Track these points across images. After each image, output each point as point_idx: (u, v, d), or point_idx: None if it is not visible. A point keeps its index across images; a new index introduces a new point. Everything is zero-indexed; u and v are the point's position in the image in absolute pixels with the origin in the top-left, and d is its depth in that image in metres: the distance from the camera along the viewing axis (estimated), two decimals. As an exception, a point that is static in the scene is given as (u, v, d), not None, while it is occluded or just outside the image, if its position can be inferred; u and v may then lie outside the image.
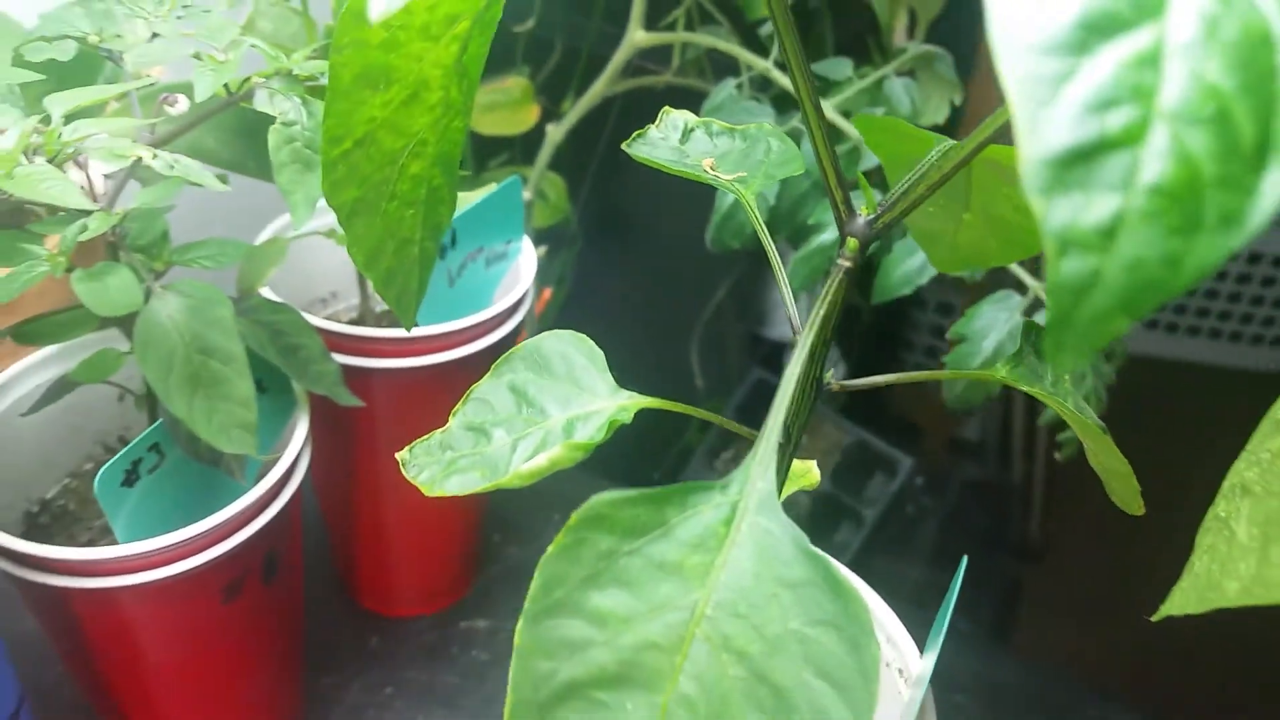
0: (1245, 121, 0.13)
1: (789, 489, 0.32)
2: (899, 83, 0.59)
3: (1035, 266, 0.55)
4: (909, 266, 0.55)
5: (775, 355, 0.96)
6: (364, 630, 0.57)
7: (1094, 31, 0.13)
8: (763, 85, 0.62)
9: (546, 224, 0.83)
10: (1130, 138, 0.13)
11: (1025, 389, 0.29)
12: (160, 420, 0.37)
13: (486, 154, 0.81)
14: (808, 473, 0.32)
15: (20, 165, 0.27)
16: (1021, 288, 0.55)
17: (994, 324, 0.54)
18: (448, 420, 0.27)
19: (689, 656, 0.20)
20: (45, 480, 0.44)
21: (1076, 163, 0.13)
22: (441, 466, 0.26)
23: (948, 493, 0.91)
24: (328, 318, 0.52)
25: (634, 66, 0.68)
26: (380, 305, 0.57)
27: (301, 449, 0.41)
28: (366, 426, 0.50)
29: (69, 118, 0.29)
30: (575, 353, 0.27)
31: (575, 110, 0.69)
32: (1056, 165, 0.13)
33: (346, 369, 0.44)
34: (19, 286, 0.34)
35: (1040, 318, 0.55)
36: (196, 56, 0.34)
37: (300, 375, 0.40)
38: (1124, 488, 0.31)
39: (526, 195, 0.71)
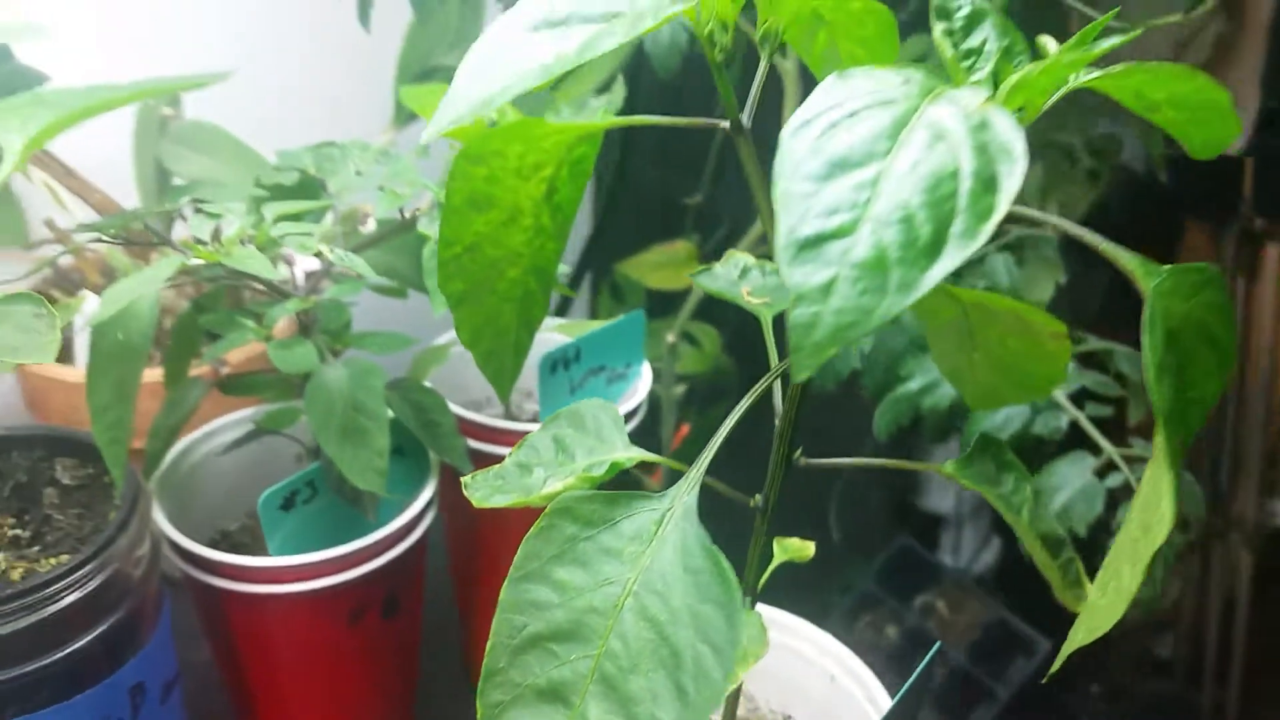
0: (925, 226, 0.20)
1: (779, 558, 0.38)
2: (1000, 258, 0.66)
3: (1110, 430, 0.59)
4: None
5: (928, 527, 0.97)
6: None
7: (837, 167, 0.21)
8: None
9: (696, 370, 0.91)
10: (846, 232, 0.21)
11: (971, 486, 0.34)
12: (318, 463, 0.48)
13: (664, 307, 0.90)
14: (802, 549, 0.38)
15: (237, 247, 0.38)
16: (1096, 450, 0.59)
17: (1066, 482, 0.58)
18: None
19: (619, 620, 0.27)
20: (230, 515, 0.55)
21: (810, 245, 0.21)
22: (491, 489, 0.34)
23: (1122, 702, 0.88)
24: (476, 416, 0.62)
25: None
26: (524, 413, 0.67)
27: (426, 505, 0.50)
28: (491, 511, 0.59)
29: (277, 220, 0.41)
30: (604, 415, 0.35)
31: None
32: (798, 247, 0.21)
33: (478, 453, 0.54)
34: (228, 346, 0.46)
35: (1111, 480, 0.58)
36: (380, 188, 0.45)
37: (434, 445, 0.50)
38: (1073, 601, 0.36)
39: (671, 338, 0.80)
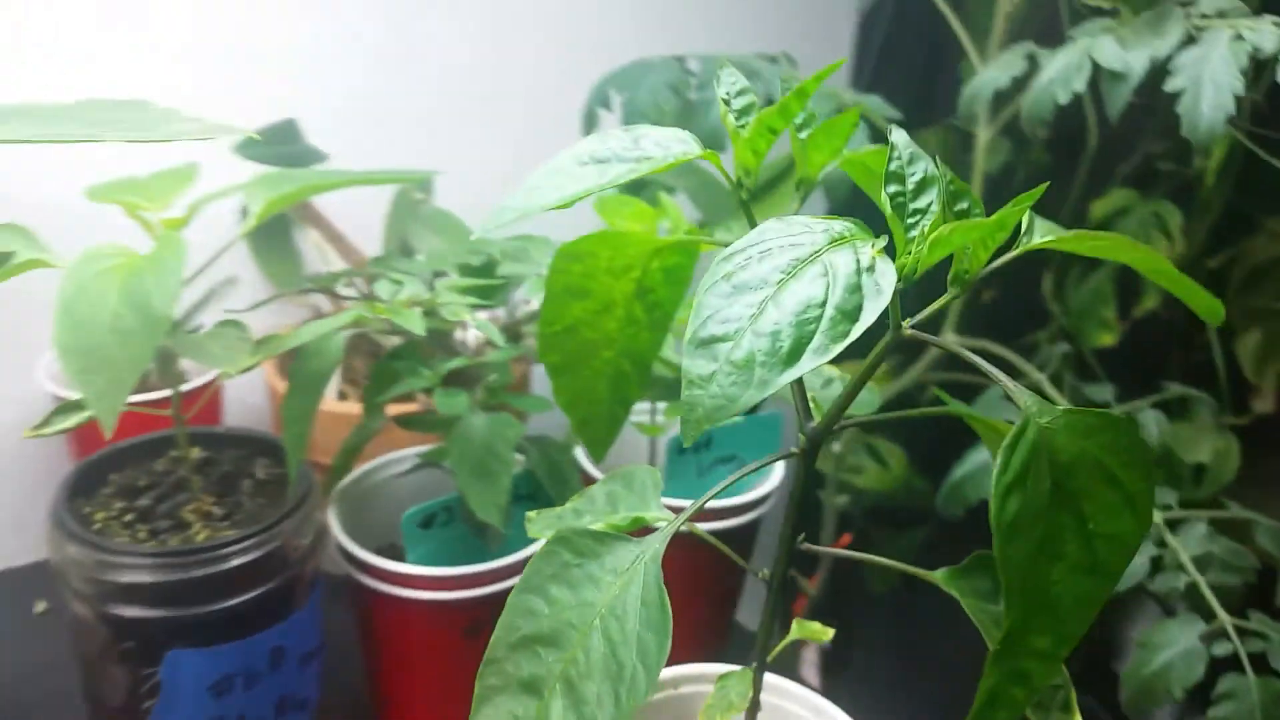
0: (786, 341, 0.26)
1: (794, 634, 0.42)
2: (1151, 414, 0.66)
3: (1230, 602, 0.58)
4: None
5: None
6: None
7: (739, 289, 0.27)
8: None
9: (877, 487, 0.94)
10: (731, 339, 0.27)
11: (959, 597, 0.38)
12: (456, 494, 0.57)
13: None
14: (821, 632, 0.43)
15: (405, 309, 0.48)
16: (1210, 615, 0.58)
17: (1172, 641, 0.58)
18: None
19: (588, 636, 0.34)
20: (395, 532, 0.65)
21: (705, 344, 0.27)
22: (548, 524, 0.41)
23: None
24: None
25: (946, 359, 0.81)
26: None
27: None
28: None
29: (445, 291, 0.51)
30: (649, 480, 0.42)
31: (893, 388, 0.83)
32: (697, 344, 0.27)
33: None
34: (405, 388, 0.56)
35: (1219, 648, 0.57)
36: (537, 275, 0.54)
37: (558, 495, 0.58)
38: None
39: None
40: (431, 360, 0.57)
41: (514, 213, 0.33)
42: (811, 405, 0.37)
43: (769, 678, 0.47)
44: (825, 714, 0.46)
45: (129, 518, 0.52)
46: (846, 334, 0.26)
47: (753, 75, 0.71)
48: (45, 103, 0.42)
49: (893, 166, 0.31)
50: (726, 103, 0.37)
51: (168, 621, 0.49)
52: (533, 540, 0.58)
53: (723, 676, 0.40)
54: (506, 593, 0.56)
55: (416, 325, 0.48)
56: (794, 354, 0.26)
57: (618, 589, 0.34)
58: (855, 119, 0.35)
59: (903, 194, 0.31)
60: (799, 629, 0.43)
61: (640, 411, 0.68)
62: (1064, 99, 0.57)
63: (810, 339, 0.26)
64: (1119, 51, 0.57)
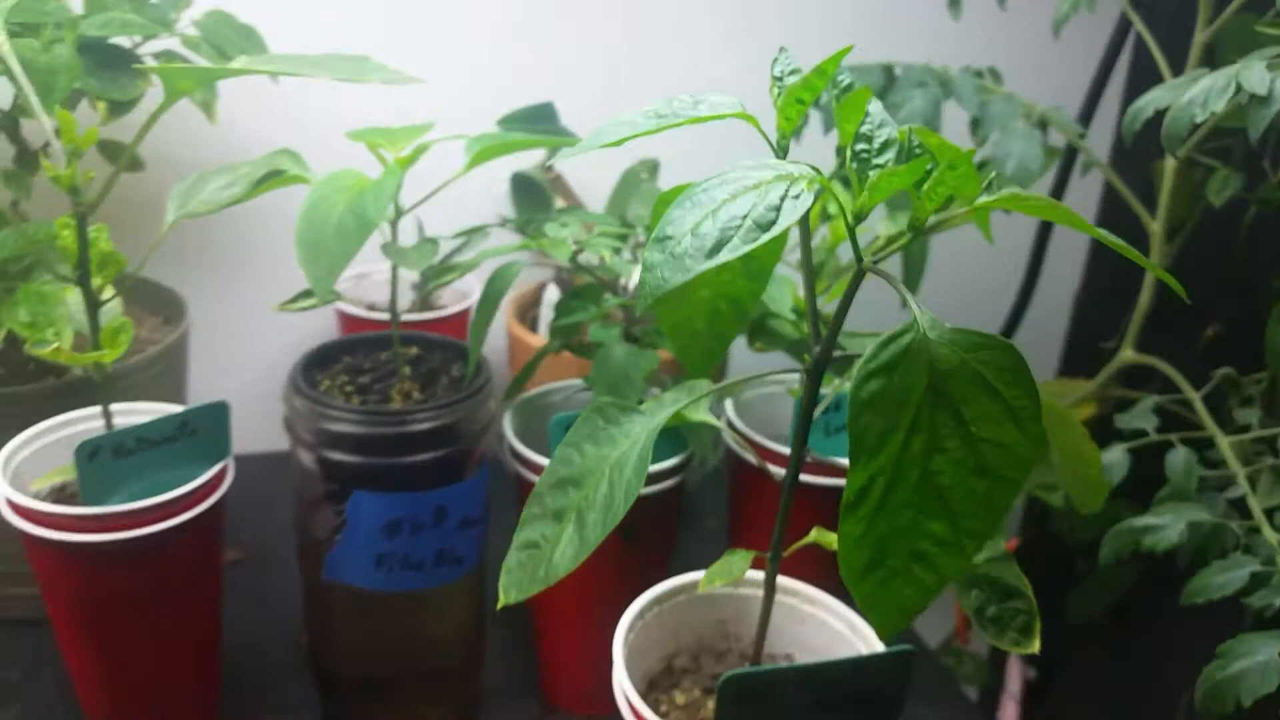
0: (710, 240, 0.35)
1: (811, 539, 0.49)
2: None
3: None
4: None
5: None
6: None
7: (693, 205, 0.36)
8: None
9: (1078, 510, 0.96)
10: (676, 238, 0.36)
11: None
12: (599, 412, 0.67)
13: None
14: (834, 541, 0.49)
15: (562, 245, 0.60)
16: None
17: (1250, 651, 0.58)
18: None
19: (600, 480, 0.43)
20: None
21: (659, 241, 0.36)
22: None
23: None
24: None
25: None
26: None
27: (672, 468, 0.67)
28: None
29: (597, 236, 0.62)
30: (703, 390, 0.50)
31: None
32: (654, 240, 0.36)
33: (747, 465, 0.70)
34: (576, 318, 0.68)
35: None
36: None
37: (688, 431, 0.67)
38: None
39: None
40: (600, 299, 0.68)
41: (578, 150, 0.43)
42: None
43: (791, 582, 0.54)
44: (849, 620, 0.53)
45: (348, 388, 0.67)
46: (756, 239, 0.34)
47: (944, 83, 0.77)
48: (300, 54, 0.57)
49: (864, 129, 0.38)
50: (778, 80, 0.45)
51: (360, 467, 0.63)
52: (662, 460, 0.68)
53: (729, 551, 0.48)
54: (654, 498, 0.67)
55: (563, 253, 0.59)
56: (714, 250, 0.35)
57: (625, 447, 0.44)
58: (867, 95, 0.42)
59: (868, 151, 0.38)
60: (817, 534, 0.50)
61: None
62: (1200, 118, 0.59)
63: (729, 240, 0.35)
64: (1265, 75, 0.58)
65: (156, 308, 0.88)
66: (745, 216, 0.35)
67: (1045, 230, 0.90)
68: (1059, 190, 0.86)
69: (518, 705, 0.76)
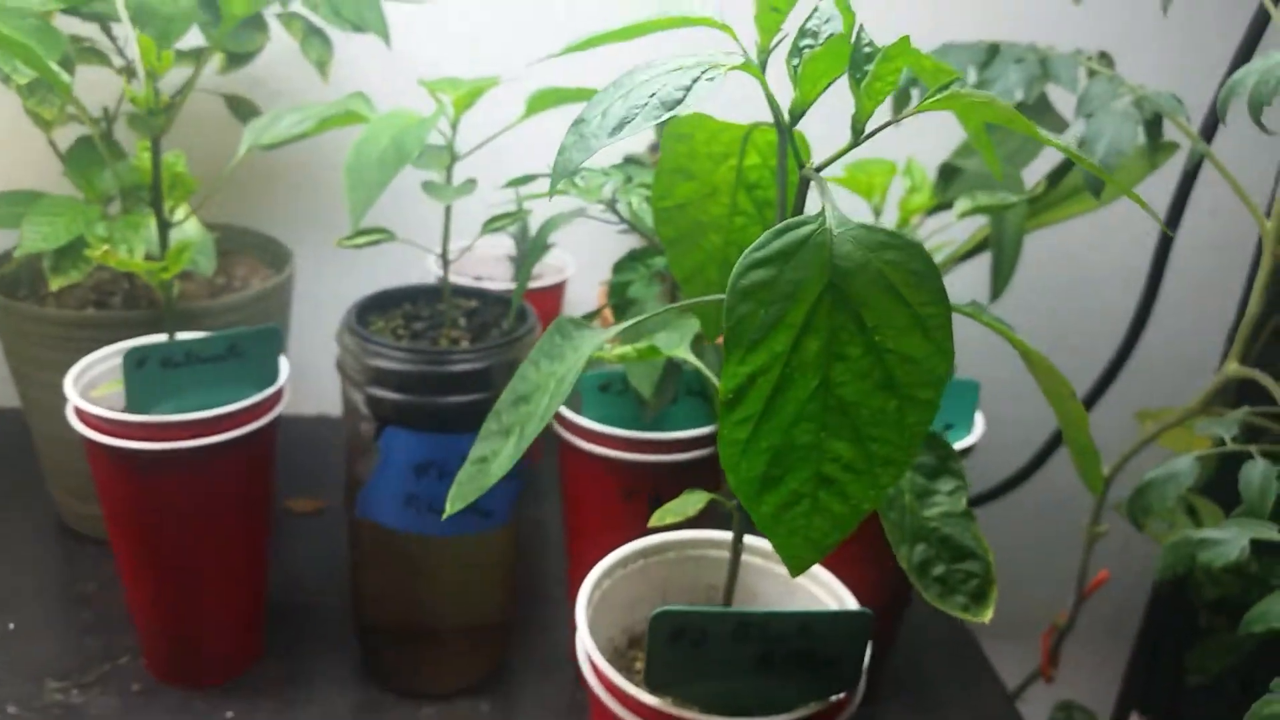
0: (615, 119, 0.33)
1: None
2: None
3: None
4: None
5: None
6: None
7: (619, 91, 0.35)
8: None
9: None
10: (588, 121, 0.34)
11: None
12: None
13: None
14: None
15: (594, 188, 0.59)
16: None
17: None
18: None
19: (547, 393, 0.42)
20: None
21: (577, 124, 0.35)
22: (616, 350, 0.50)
23: None
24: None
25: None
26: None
27: (696, 437, 0.65)
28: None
29: (633, 188, 0.61)
30: (689, 331, 0.49)
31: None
32: (575, 123, 0.35)
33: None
34: (624, 277, 0.67)
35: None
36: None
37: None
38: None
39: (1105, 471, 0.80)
40: (650, 259, 0.67)
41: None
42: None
43: (761, 543, 0.51)
44: (838, 596, 0.50)
45: (400, 332, 0.69)
46: (658, 117, 0.33)
47: (1044, 61, 0.72)
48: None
49: (810, 25, 0.36)
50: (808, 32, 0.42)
51: (399, 404, 0.64)
52: (694, 428, 0.66)
53: (688, 491, 0.46)
54: (662, 465, 0.65)
55: (592, 197, 0.59)
56: (617, 128, 0.33)
57: (571, 362, 0.42)
58: (846, 47, 0.39)
59: (811, 46, 0.36)
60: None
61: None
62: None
63: (633, 118, 0.33)
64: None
65: (272, 261, 0.93)
66: (653, 96, 0.34)
67: (1164, 247, 0.83)
68: (1184, 191, 0.78)
69: (552, 668, 0.75)
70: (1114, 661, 1.11)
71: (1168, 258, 0.83)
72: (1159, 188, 0.80)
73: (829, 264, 0.32)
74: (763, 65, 0.43)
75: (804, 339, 0.33)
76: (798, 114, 0.36)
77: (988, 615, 0.39)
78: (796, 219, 0.33)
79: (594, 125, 0.34)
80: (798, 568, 0.36)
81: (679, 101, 0.33)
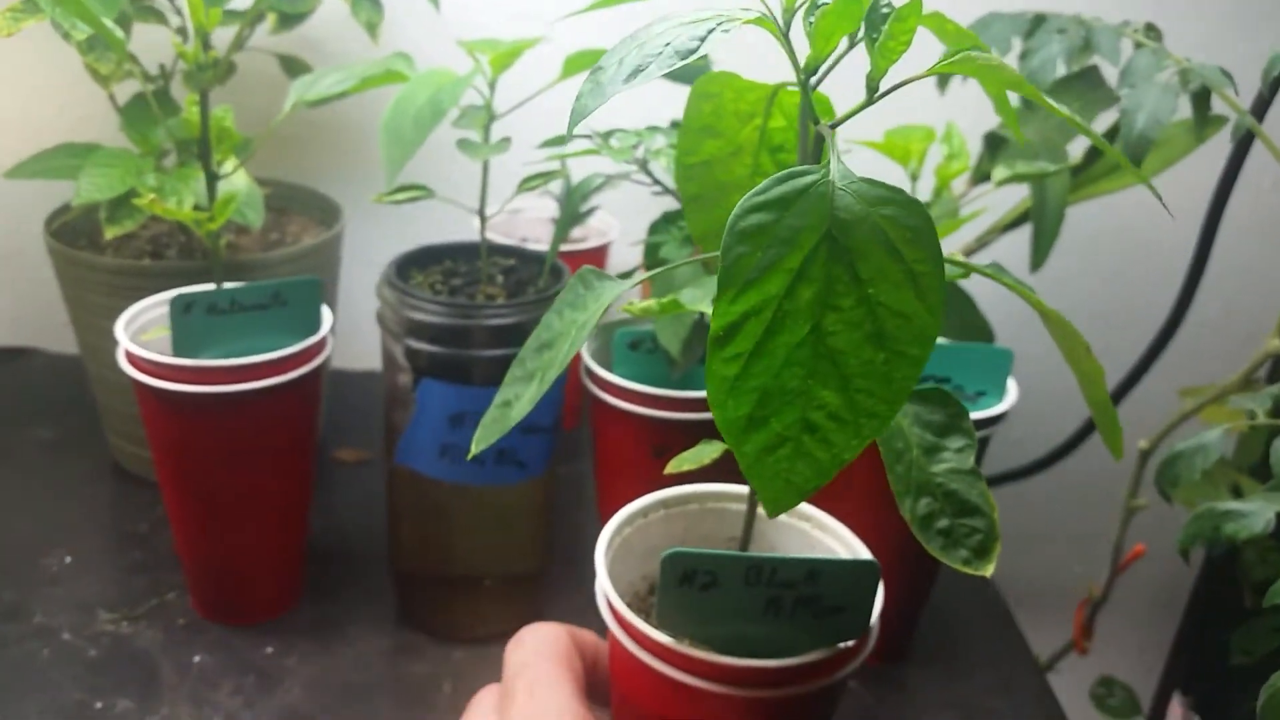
0: (629, 68, 0.34)
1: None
2: None
3: None
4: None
5: None
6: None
7: (636, 42, 0.36)
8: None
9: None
10: (606, 69, 0.35)
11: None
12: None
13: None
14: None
15: (621, 148, 0.60)
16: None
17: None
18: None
19: (568, 340, 0.43)
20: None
21: (595, 72, 0.36)
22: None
23: None
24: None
25: None
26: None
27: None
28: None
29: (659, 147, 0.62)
30: (709, 289, 0.49)
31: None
32: (592, 71, 0.36)
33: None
34: (657, 238, 0.68)
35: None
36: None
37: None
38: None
39: (1143, 444, 0.80)
40: (682, 221, 0.68)
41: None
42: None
43: (807, 508, 0.52)
44: (855, 551, 0.50)
45: (439, 287, 0.71)
46: (673, 64, 0.34)
47: (1088, 32, 0.71)
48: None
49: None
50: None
51: (435, 356, 0.65)
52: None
53: (704, 440, 0.47)
54: (690, 424, 0.66)
55: (622, 156, 0.59)
56: (631, 75, 0.34)
57: (593, 310, 0.43)
58: (859, 6, 0.38)
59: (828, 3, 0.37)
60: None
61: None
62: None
63: (647, 66, 0.34)
64: None
65: (323, 218, 0.95)
66: (668, 44, 0.34)
67: (1213, 221, 0.82)
68: (1235, 165, 0.77)
69: (584, 619, 0.77)
70: (1157, 641, 1.11)
71: (1216, 231, 0.82)
72: (1215, 162, 0.79)
73: (829, 214, 0.33)
74: (787, 25, 0.43)
75: (798, 285, 0.33)
76: (812, 69, 0.36)
77: (989, 569, 0.39)
78: (800, 168, 0.33)
79: (610, 73, 0.35)
80: (775, 510, 0.36)
81: (693, 51, 0.34)
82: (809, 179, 0.33)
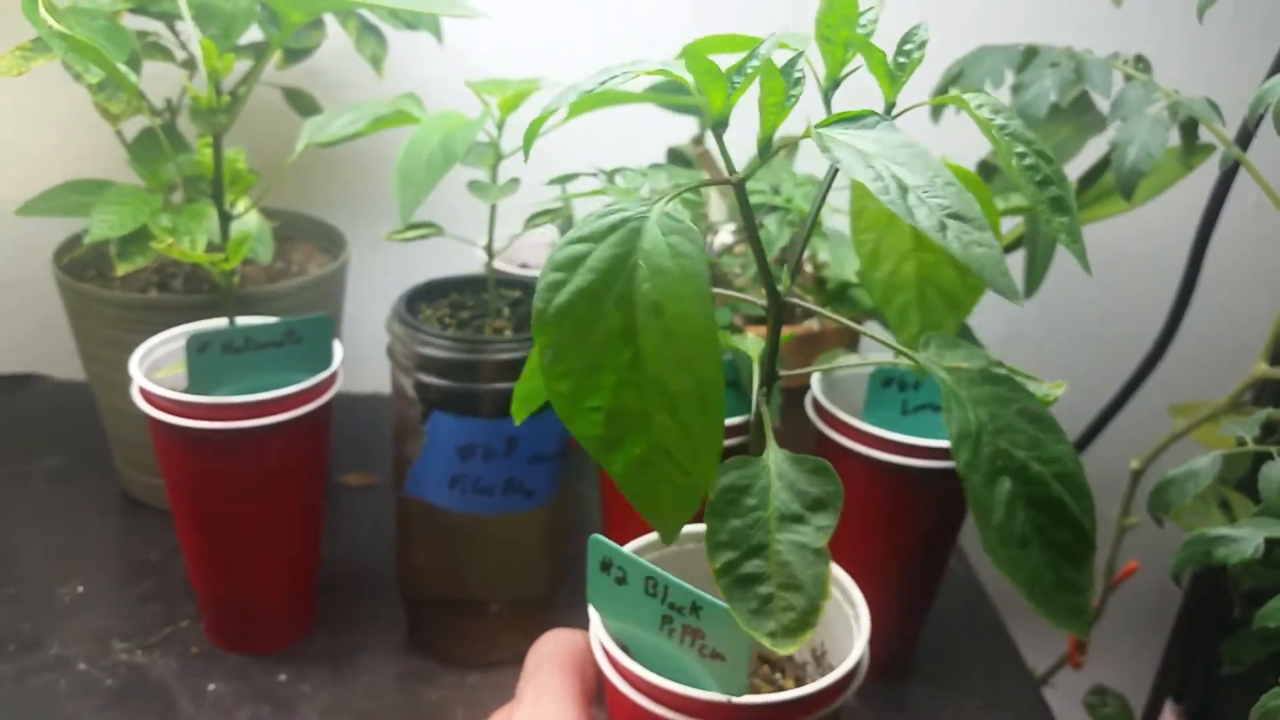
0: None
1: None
2: None
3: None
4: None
5: None
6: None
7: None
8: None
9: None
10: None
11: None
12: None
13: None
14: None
15: (629, 190, 0.62)
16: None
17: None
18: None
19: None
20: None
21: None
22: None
23: None
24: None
25: None
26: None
27: (737, 424, 0.68)
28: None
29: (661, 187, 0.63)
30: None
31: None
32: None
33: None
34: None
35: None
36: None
37: (746, 388, 0.68)
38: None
39: (1135, 465, 0.82)
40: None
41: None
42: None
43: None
44: (842, 586, 0.51)
45: (447, 320, 0.72)
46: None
47: (1079, 66, 0.73)
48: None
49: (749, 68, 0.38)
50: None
51: (444, 390, 0.67)
52: (728, 418, 0.68)
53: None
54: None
55: (623, 196, 0.61)
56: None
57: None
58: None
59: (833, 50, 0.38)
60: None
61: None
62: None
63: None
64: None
65: (328, 247, 0.96)
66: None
67: (1202, 243, 0.84)
68: (1221, 192, 0.79)
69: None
70: (1149, 651, 1.13)
71: (1205, 253, 0.84)
72: (1203, 186, 0.81)
73: (637, 246, 0.35)
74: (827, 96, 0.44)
75: (610, 311, 0.35)
76: (835, 80, 0.38)
77: (793, 649, 0.37)
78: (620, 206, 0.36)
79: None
80: (666, 536, 0.38)
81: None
82: (627, 214, 0.35)
